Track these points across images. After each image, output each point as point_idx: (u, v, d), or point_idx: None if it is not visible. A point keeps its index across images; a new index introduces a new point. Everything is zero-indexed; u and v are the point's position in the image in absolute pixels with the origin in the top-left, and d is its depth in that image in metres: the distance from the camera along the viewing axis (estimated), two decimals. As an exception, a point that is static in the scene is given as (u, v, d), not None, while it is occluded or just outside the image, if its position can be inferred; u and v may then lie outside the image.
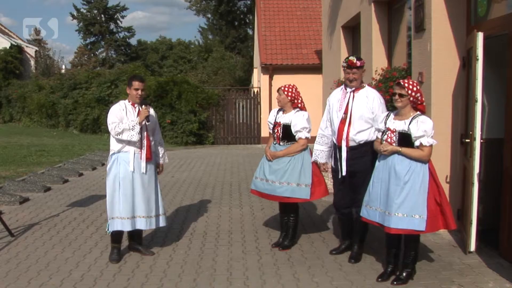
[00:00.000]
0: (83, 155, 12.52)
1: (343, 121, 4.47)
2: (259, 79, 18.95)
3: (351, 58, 4.42)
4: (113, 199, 4.56)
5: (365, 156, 4.43)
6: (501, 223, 4.56)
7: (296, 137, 4.85)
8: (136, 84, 4.60)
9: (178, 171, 10.52)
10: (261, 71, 17.75)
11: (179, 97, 16.57)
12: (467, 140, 4.85)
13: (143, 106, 4.65)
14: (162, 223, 4.79)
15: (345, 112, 4.46)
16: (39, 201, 7.26)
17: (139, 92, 4.59)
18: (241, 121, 17.52)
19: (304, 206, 6.63)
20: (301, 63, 17.18)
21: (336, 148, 4.58)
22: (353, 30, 9.83)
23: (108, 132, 4.83)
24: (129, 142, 4.55)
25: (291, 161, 4.84)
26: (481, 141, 4.56)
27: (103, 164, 11.31)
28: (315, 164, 4.89)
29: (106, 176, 4.67)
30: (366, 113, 4.38)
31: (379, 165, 4.11)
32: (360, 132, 4.42)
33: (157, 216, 4.73)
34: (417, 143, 3.90)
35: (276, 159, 4.89)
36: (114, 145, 4.61)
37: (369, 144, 4.41)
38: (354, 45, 9.83)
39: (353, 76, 4.42)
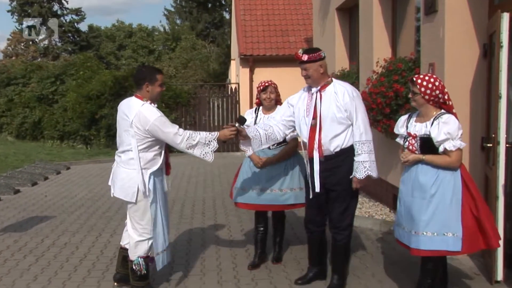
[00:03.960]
0: (20, 168, 12.31)
1: (313, 128, 4.44)
2: (237, 73, 18.92)
3: (298, 51, 4.46)
4: (157, 229, 4.41)
5: (341, 166, 4.41)
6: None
7: (288, 138, 5.01)
8: (161, 78, 4.43)
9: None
10: (239, 64, 17.72)
11: (140, 95, 16.38)
12: (489, 145, 4.84)
13: (237, 123, 4.54)
14: (169, 257, 4.69)
15: (314, 117, 4.44)
16: (-35, 224, 7.05)
17: (164, 88, 4.49)
18: (216, 123, 17.46)
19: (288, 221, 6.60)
20: (287, 54, 17.14)
21: (307, 161, 4.57)
22: (350, 12, 9.85)
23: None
24: (158, 155, 4.37)
25: (288, 165, 5.09)
26: (507, 145, 4.54)
27: (45, 179, 11.12)
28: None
29: (142, 201, 4.35)
30: (337, 113, 4.35)
31: (404, 178, 4.17)
32: (335, 137, 4.38)
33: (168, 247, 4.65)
34: (441, 148, 3.91)
35: (269, 166, 5.06)
36: (147, 160, 4.34)
37: (346, 152, 4.40)
38: (352, 30, 9.85)
39: (305, 72, 4.43)
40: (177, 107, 17.07)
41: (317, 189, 4.45)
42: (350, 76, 9.06)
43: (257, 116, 5.21)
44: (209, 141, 4.36)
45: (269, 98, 5.11)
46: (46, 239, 6.33)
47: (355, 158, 4.36)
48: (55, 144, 17.92)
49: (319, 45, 11.03)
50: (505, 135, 4.47)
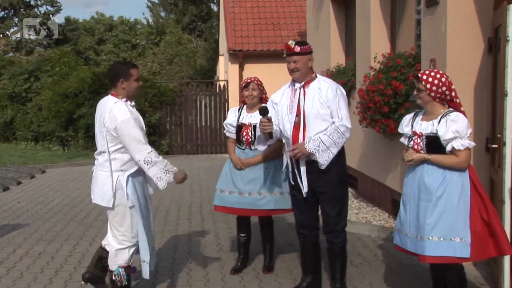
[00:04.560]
0: (-9, 171, 12.21)
1: (296, 126, 4.50)
2: (226, 70, 18.90)
3: (289, 42, 4.51)
4: (140, 235, 4.39)
5: (328, 167, 4.43)
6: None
7: None
8: (136, 72, 4.39)
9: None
10: (228, 60, 17.71)
11: (122, 93, 16.35)
12: (494, 146, 4.86)
13: (261, 117, 4.46)
14: (152, 265, 4.66)
15: (298, 114, 4.50)
16: None
17: (140, 82, 4.46)
18: (203, 123, 17.43)
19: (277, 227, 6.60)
20: (279, 49, 17.13)
21: (292, 161, 4.59)
22: (346, 4, 9.87)
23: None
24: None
25: (268, 168, 5.09)
26: (514, 146, 4.55)
27: (18, 183, 11.04)
28: None
29: (120, 206, 4.33)
30: (320, 109, 4.42)
31: (408, 180, 4.16)
32: (319, 134, 4.41)
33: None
34: (448, 147, 3.92)
35: (249, 167, 5.09)
36: (123, 162, 4.33)
37: None
38: (348, 24, 9.86)
39: (294, 65, 4.47)
40: (161, 106, 16.99)
41: (305, 190, 4.51)
42: (346, 73, 9.08)
43: (240, 115, 5.25)
44: (167, 170, 4.29)
45: (251, 96, 5.15)
46: (18, 248, 6.27)
47: (319, 134, 4.36)
48: (29, 146, 17.78)
49: (314, 40, 11.06)
50: (512, 135, 4.48)
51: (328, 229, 4.60)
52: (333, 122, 4.42)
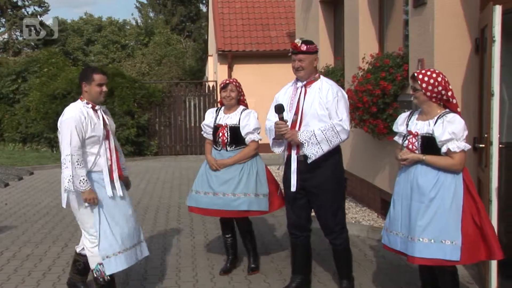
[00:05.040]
0: (-21, 172, 12.09)
1: (294, 124, 4.51)
2: (215, 70, 18.86)
3: (296, 40, 4.53)
4: (101, 231, 4.39)
5: (322, 167, 4.46)
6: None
7: (247, 140, 5.13)
8: (99, 78, 4.46)
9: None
10: (217, 60, 17.68)
11: (111, 95, 16.26)
12: (481, 145, 4.88)
13: (277, 115, 4.44)
14: (145, 252, 4.73)
15: (296, 113, 4.52)
16: None
17: (104, 88, 4.51)
18: (192, 124, 17.40)
19: (258, 221, 6.59)
20: (269, 49, 17.21)
21: (288, 158, 4.61)
22: (334, 5, 9.88)
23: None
24: (93, 155, 4.42)
25: (244, 169, 5.12)
26: (500, 146, 4.58)
27: (6, 185, 11.00)
28: (269, 170, 5.26)
29: (77, 205, 4.40)
30: (319, 110, 4.42)
31: (400, 179, 4.14)
32: None
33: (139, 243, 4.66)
34: (444, 149, 3.89)
35: (224, 168, 5.13)
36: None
37: (329, 152, 4.43)
38: (336, 24, 9.89)
39: (299, 64, 4.47)
40: (150, 107, 16.96)
41: (293, 188, 4.51)
42: (335, 73, 9.10)
43: (217, 116, 5.26)
44: (80, 180, 4.25)
45: (229, 97, 5.16)
46: (6, 251, 6.22)
47: (314, 129, 4.35)
48: (17, 148, 17.67)
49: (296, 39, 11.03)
50: (498, 135, 4.50)
51: (327, 232, 4.61)
52: None
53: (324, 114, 4.41)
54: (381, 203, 7.37)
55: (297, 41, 4.52)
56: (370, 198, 7.88)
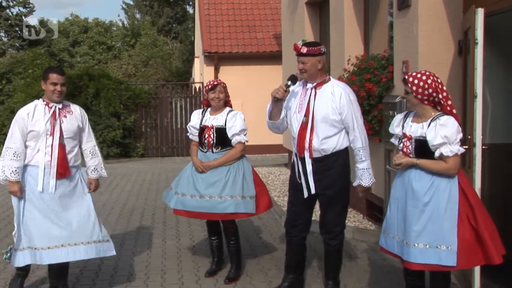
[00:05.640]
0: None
1: (304, 126, 4.49)
2: (201, 72, 18.84)
3: (297, 42, 4.50)
4: (20, 225, 4.58)
5: (332, 169, 4.49)
6: None
7: (233, 141, 5.09)
8: (54, 77, 4.61)
9: (95, 193, 10.09)
10: (204, 62, 17.65)
11: (96, 96, 16.24)
12: (465, 147, 4.89)
13: (289, 82, 4.51)
14: (109, 251, 4.75)
15: (306, 114, 4.49)
16: None
17: (58, 87, 4.61)
18: (179, 126, 17.36)
19: (244, 223, 6.73)
20: (255, 51, 17.20)
21: (298, 160, 4.60)
22: (320, 7, 9.92)
23: (0, 144, 4.92)
24: (32, 149, 4.59)
25: (230, 171, 5.08)
26: (484, 147, 4.62)
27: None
28: (255, 171, 5.27)
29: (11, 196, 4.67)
30: (331, 114, 4.41)
31: (396, 182, 4.11)
32: (326, 139, 4.44)
33: (96, 242, 4.69)
34: (437, 153, 3.84)
35: (210, 170, 5.08)
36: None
37: (336, 154, 4.48)
38: (322, 26, 9.93)
39: (302, 66, 4.46)
40: (136, 109, 16.91)
41: (313, 191, 4.51)
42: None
43: (203, 117, 5.22)
44: (12, 171, 4.51)
45: (217, 98, 5.12)
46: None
47: (358, 165, 4.48)
48: (1, 149, 17.51)
49: (288, 42, 11.11)
50: (482, 136, 4.53)
51: (326, 230, 4.60)
52: (343, 129, 4.45)
53: (336, 119, 4.39)
54: (367, 204, 7.40)
55: (299, 42, 4.48)
56: (356, 199, 7.89)
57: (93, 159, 4.93)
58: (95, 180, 4.96)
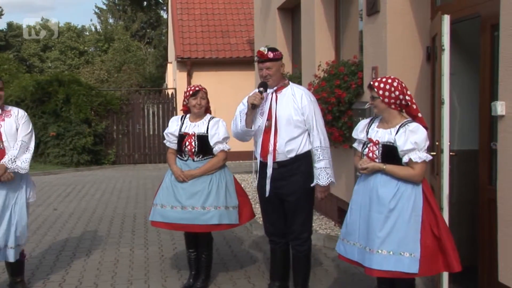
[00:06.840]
0: None
1: (267, 130, 4.53)
2: (174, 77, 18.77)
3: (261, 48, 4.53)
4: None
5: (296, 175, 4.50)
6: (479, 258, 4.64)
7: (216, 149, 4.98)
8: None
9: (63, 201, 10.13)
10: (176, 67, 17.60)
11: (67, 102, 16.08)
12: (433, 153, 4.91)
13: (261, 88, 4.48)
14: (10, 257, 4.78)
15: (269, 118, 4.52)
16: None
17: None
18: (151, 132, 17.30)
19: (222, 235, 6.77)
20: (228, 56, 17.20)
21: (261, 165, 4.63)
22: (292, 12, 9.94)
23: None
24: None
25: (212, 180, 4.95)
26: (451, 153, 4.64)
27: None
28: (237, 181, 5.19)
29: None
30: (294, 115, 4.46)
31: (359, 188, 4.08)
32: (291, 140, 4.47)
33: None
34: (405, 158, 3.84)
35: (191, 180, 4.94)
36: None
37: (300, 159, 4.50)
38: (294, 31, 9.95)
39: (267, 72, 4.48)
40: (108, 115, 16.78)
41: (267, 194, 4.54)
42: (292, 81, 9.03)
43: (182, 124, 5.07)
44: None
45: (199, 104, 4.99)
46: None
47: (315, 165, 4.48)
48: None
49: (261, 47, 11.06)
50: (449, 143, 4.56)
51: (293, 237, 4.62)
52: (306, 130, 4.48)
53: (299, 120, 4.44)
54: (338, 211, 7.40)
55: (263, 49, 4.49)
56: (327, 207, 7.91)
57: (18, 149, 4.83)
58: (4, 167, 4.74)
